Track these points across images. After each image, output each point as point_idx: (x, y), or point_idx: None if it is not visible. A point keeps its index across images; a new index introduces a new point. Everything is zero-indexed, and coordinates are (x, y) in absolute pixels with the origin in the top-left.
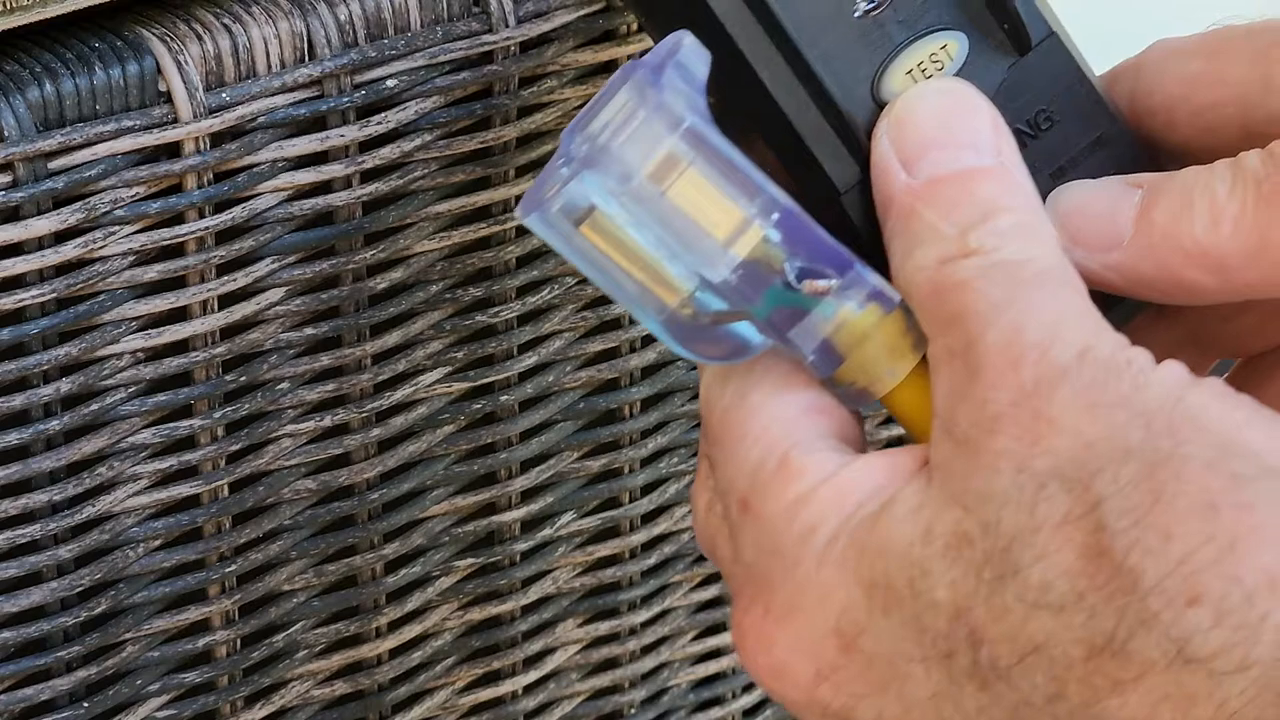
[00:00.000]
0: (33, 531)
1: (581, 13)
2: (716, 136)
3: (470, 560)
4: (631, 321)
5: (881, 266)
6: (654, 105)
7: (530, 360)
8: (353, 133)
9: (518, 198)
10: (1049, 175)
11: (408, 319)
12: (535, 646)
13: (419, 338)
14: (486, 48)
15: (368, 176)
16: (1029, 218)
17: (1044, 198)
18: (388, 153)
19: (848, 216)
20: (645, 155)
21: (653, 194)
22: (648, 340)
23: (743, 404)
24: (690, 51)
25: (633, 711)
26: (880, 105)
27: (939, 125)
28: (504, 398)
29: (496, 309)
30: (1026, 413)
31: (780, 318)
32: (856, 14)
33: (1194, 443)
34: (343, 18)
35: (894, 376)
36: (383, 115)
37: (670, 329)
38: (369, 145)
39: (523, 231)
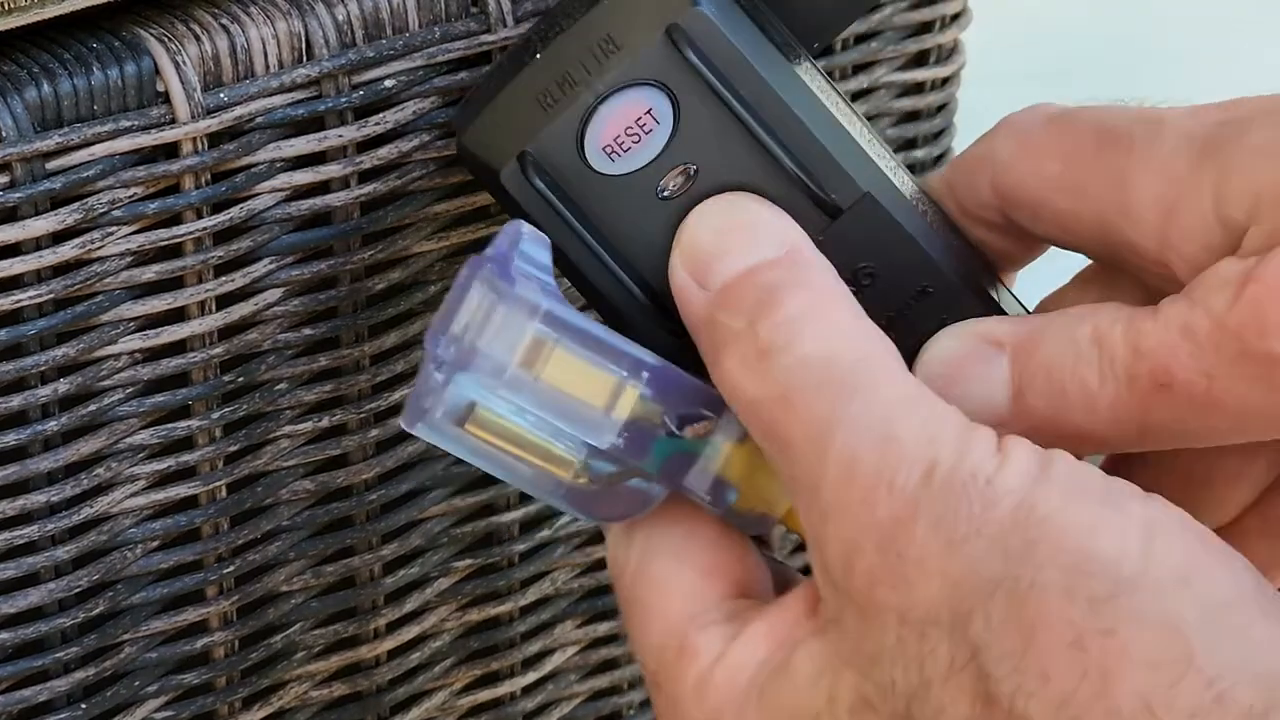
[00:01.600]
0: (30, 532)
1: None
2: (573, 313)
3: (469, 561)
4: None
5: None
6: (510, 298)
7: None
8: (351, 133)
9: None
10: (882, 321)
11: (406, 320)
12: (534, 647)
13: (417, 338)
14: (485, 48)
15: (366, 177)
16: (821, 298)
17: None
18: (386, 153)
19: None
20: (511, 346)
21: (527, 380)
22: None
23: (646, 573)
24: (531, 239)
25: (632, 713)
26: None
27: (721, 234)
28: None
29: None
30: (892, 558)
31: (671, 467)
32: (662, 195)
33: (1049, 565)
34: (340, 18)
35: (785, 498)
36: (381, 115)
37: (570, 501)
38: (367, 145)
39: None
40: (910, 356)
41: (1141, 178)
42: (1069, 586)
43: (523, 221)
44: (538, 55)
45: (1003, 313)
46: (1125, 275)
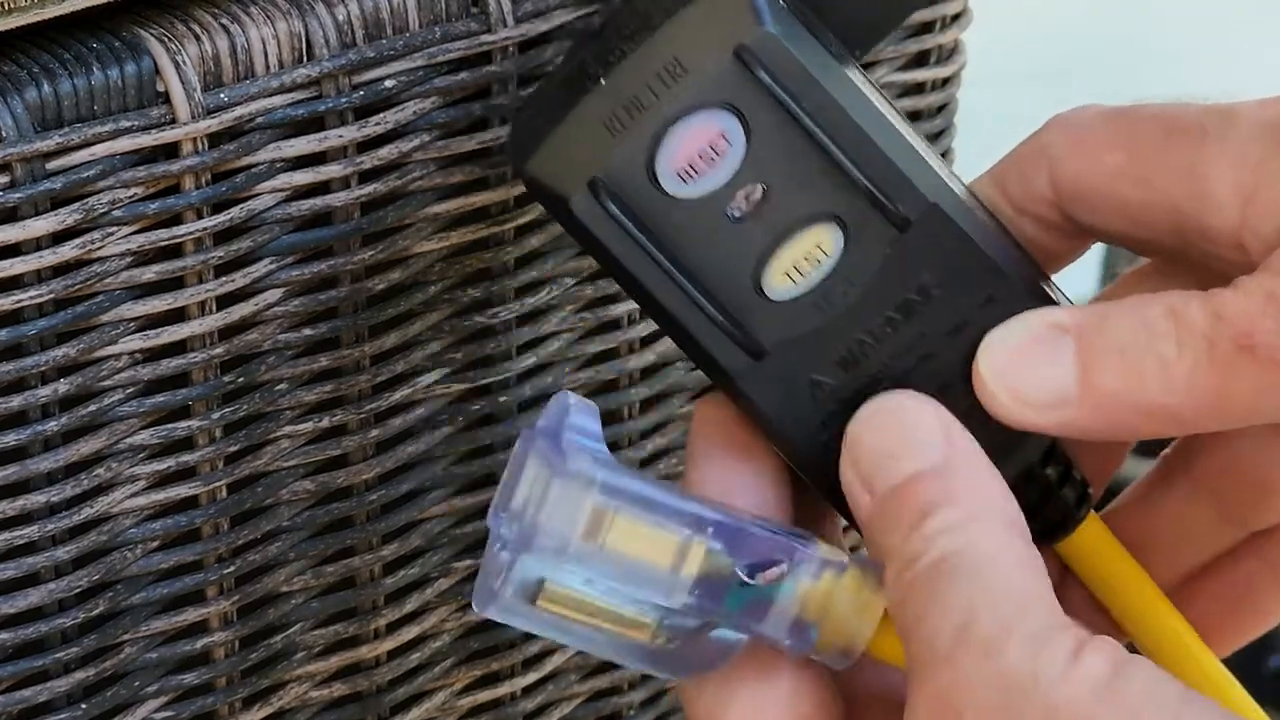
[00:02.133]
0: (30, 533)
1: (580, 13)
2: (627, 478)
3: (469, 561)
4: (631, 322)
5: (816, 447)
6: (563, 472)
7: (529, 361)
8: (351, 133)
9: (517, 198)
10: (945, 336)
11: (406, 320)
12: (534, 648)
13: (417, 339)
14: (485, 48)
15: (366, 177)
16: (964, 509)
17: (942, 360)
18: (386, 153)
19: (747, 397)
20: (572, 520)
21: (592, 551)
22: (647, 341)
23: (726, 707)
24: (578, 409)
25: (632, 713)
26: (768, 301)
27: (884, 439)
28: (502, 399)
29: (495, 310)
30: None
31: (748, 614)
32: (734, 216)
33: None
34: (341, 18)
35: (868, 628)
36: (381, 116)
37: (655, 662)
38: (367, 146)
39: (522, 232)
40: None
41: (1218, 165)
42: None
43: (569, 392)
44: (601, 80)
45: None
46: (1176, 275)
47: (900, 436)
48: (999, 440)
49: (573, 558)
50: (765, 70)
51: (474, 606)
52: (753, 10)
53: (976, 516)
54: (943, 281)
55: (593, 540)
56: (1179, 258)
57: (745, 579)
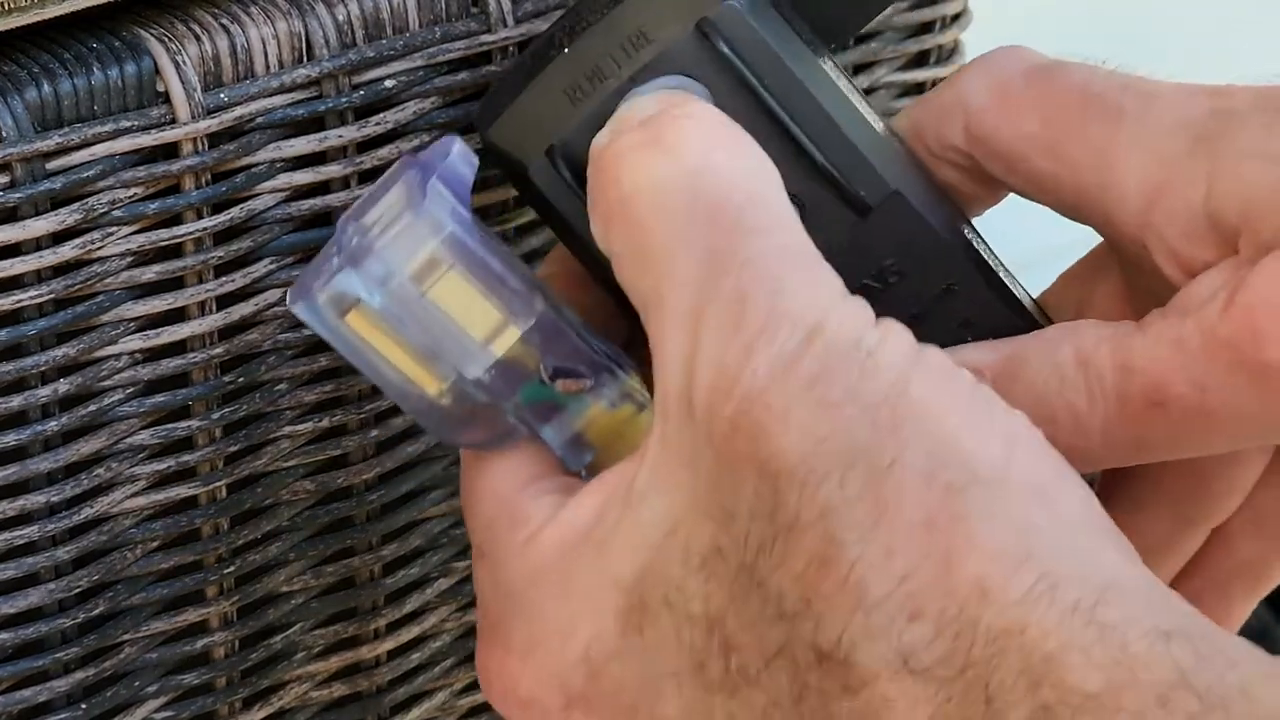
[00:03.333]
0: (30, 533)
1: None
2: (480, 242)
3: (469, 561)
4: None
5: None
6: (419, 210)
7: None
8: (351, 133)
9: (517, 198)
10: (906, 319)
11: None
12: None
13: None
14: (485, 48)
15: (366, 177)
16: (728, 125)
17: None
18: (386, 153)
19: None
20: (407, 257)
21: (413, 294)
22: None
23: (484, 468)
24: (458, 157)
25: None
26: None
27: (649, 103)
28: None
29: None
30: (760, 408)
31: (534, 412)
32: None
33: (913, 447)
34: (341, 18)
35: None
36: (381, 116)
37: (430, 417)
38: (367, 146)
39: (522, 232)
40: None
41: (1129, 153)
42: (930, 471)
43: (458, 138)
44: (565, 49)
45: (1025, 310)
46: (1105, 271)
47: (668, 97)
48: None
49: (393, 293)
50: (727, 44)
51: (287, 300)
52: None
53: (740, 133)
54: (901, 269)
55: (419, 284)
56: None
57: (545, 379)
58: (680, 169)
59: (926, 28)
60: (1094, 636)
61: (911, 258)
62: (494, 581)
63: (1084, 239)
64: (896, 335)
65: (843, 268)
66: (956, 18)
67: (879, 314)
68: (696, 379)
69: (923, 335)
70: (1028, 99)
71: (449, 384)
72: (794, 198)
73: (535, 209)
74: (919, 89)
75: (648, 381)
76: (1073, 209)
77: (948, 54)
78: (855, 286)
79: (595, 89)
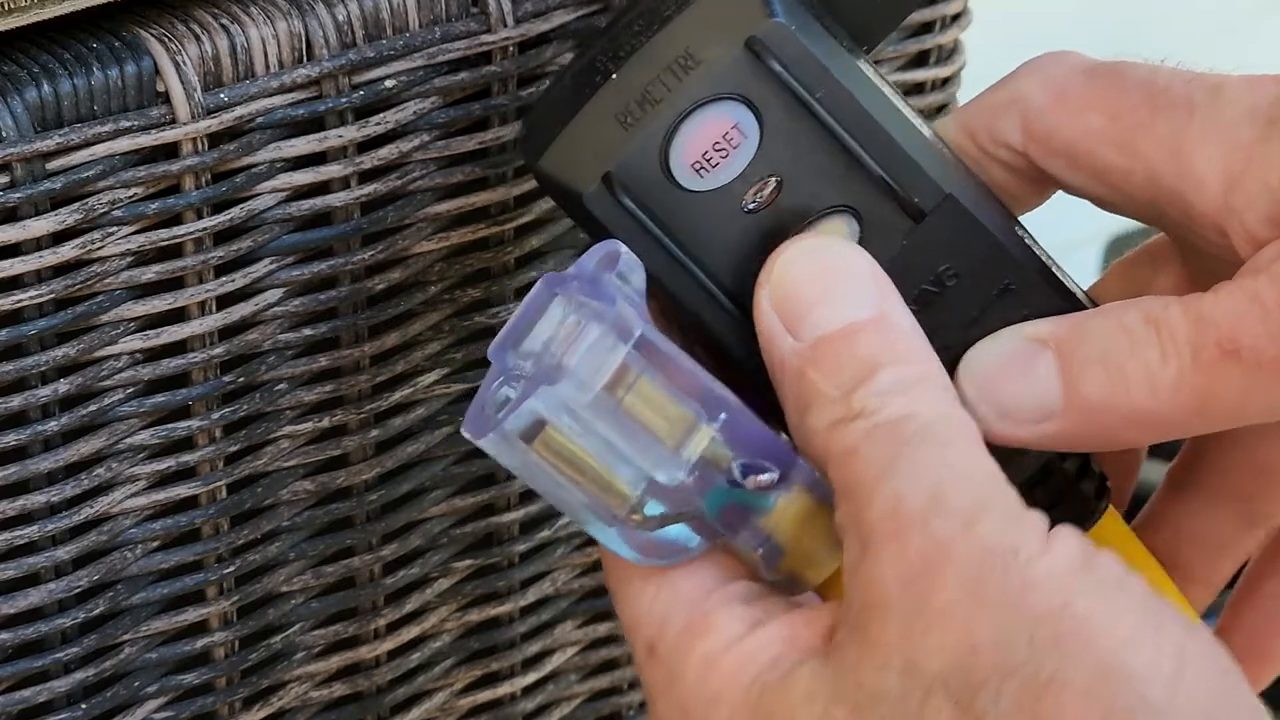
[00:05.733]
0: (30, 533)
1: (580, 13)
2: (664, 342)
3: (469, 561)
4: None
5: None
6: (607, 317)
7: None
8: (351, 133)
9: (517, 198)
10: (961, 327)
11: (406, 320)
12: (534, 648)
13: (417, 339)
14: (485, 48)
15: (366, 177)
16: (913, 369)
17: (958, 350)
18: (386, 153)
19: (762, 392)
20: (601, 369)
21: (608, 406)
22: None
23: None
24: (628, 260)
25: (632, 713)
26: None
27: (816, 284)
28: None
29: (495, 310)
30: (912, 599)
31: (726, 516)
32: (747, 208)
33: (1076, 664)
34: (341, 18)
35: (832, 563)
36: (381, 116)
37: (619, 537)
38: (367, 146)
39: (521, 232)
40: None
41: (1205, 143)
42: (1091, 690)
43: (619, 242)
44: (613, 75)
45: (1081, 305)
46: (1165, 263)
47: (832, 280)
48: None
49: (588, 408)
50: (777, 61)
51: (465, 432)
52: (764, 2)
53: (928, 380)
54: (958, 271)
55: (612, 394)
56: (1173, 239)
57: (736, 478)
58: (869, 432)
59: (926, 28)
60: None
61: (968, 259)
62: (668, 688)
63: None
64: (1063, 544)
65: (900, 274)
66: (956, 18)
67: (939, 320)
68: (856, 578)
69: (984, 334)
70: (1090, 95)
71: (638, 497)
72: (849, 209)
73: (592, 236)
74: (919, 89)
75: None
76: (1143, 202)
77: (948, 54)
78: (914, 292)
79: (646, 113)
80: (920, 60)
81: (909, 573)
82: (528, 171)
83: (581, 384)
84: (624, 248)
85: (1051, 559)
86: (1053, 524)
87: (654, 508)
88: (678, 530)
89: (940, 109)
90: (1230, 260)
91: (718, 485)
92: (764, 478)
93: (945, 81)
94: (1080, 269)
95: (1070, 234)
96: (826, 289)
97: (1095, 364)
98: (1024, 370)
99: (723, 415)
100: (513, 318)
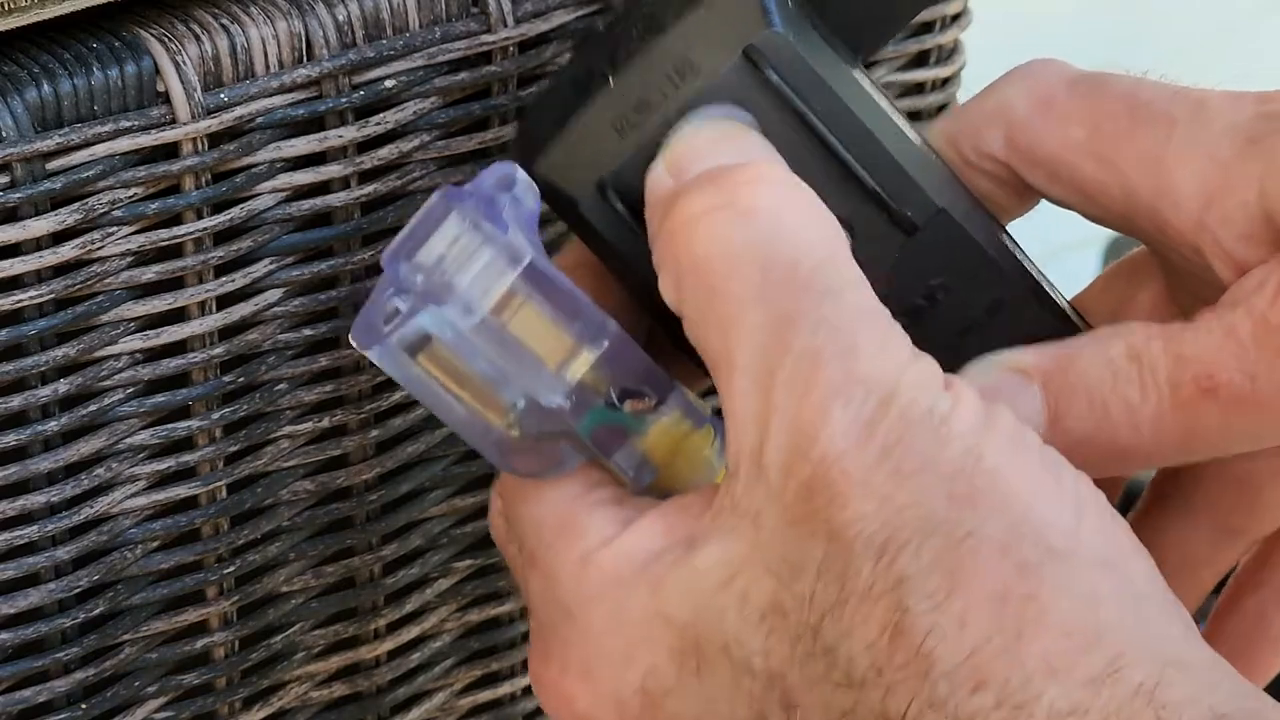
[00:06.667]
0: (30, 533)
1: (580, 13)
2: (551, 269)
3: (469, 561)
4: None
5: None
6: (498, 242)
7: None
8: (351, 133)
9: None
10: (951, 342)
11: None
12: None
13: None
14: (485, 48)
15: (366, 177)
16: (795, 187)
17: (947, 364)
18: (386, 153)
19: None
20: (488, 291)
21: (493, 327)
22: None
23: (530, 484)
24: (523, 186)
25: None
26: None
27: (710, 144)
28: None
29: None
30: (836, 473)
31: (600, 436)
32: None
33: (990, 520)
34: (341, 18)
35: (702, 482)
36: (381, 116)
37: (495, 448)
38: (367, 146)
39: None
40: None
41: (1183, 158)
42: (1005, 544)
43: (516, 165)
44: (610, 81)
45: (1069, 319)
46: (1148, 274)
47: (725, 141)
48: None
49: (473, 328)
50: (774, 71)
51: (352, 340)
52: (762, 11)
53: (806, 194)
54: (949, 286)
55: (498, 316)
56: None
57: (614, 400)
58: (754, 235)
59: (926, 28)
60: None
61: (959, 274)
62: (547, 592)
63: (1088, 238)
64: (967, 399)
65: (892, 288)
66: (956, 18)
67: (929, 334)
68: (770, 438)
69: (972, 350)
70: (1073, 107)
71: (517, 414)
72: (843, 221)
73: (585, 241)
74: (919, 89)
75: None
76: (1120, 216)
77: (948, 54)
78: (905, 306)
79: (643, 120)
80: (920, 60)
81: (828, 449)
82: None
83: (469, 306)
84: (520, 170)
85: (959, 414)
86: None
87: (532, 424)
88: (554, 446)
89: (940, 109)
90: (1206, 276)
91: (595, 407)
92: (640, 402)
93: (945, 81)
94: (1080, 269)
95: (1070, 234)
96: (718, 147)
97: (1080, 399)
98: (1010, 402)
99: (605, 342)
100: (408, 226)
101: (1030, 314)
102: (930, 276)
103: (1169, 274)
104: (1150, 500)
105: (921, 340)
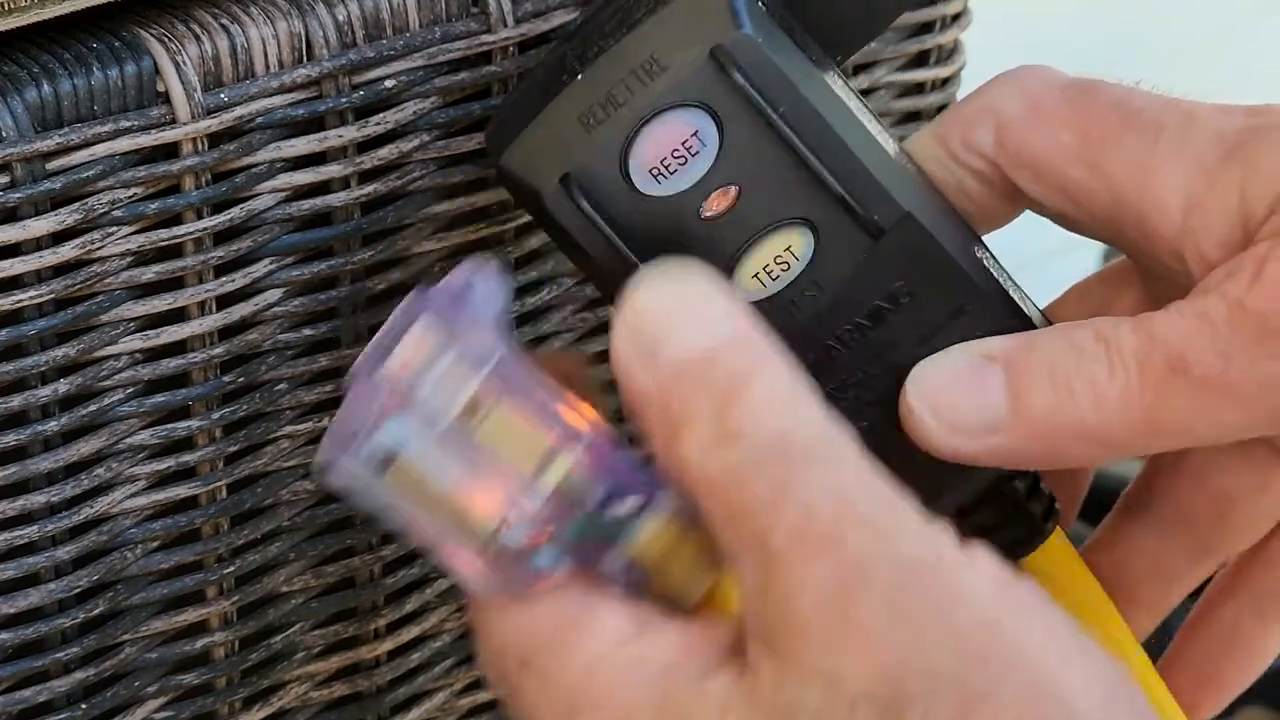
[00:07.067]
0: (30, 533)
1: (580, 13)
2: (522, 368)
3: None
4: None
5: None
6: (461, 344)
7: None
8: (351, 133)
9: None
10: (912, 347)
11: None
12: None
13: None
14: (485, 48)
15: (366, 177)
16: (778, 384)
17: (908, 369)
18: (386, 153)
19: None
20: (455, 397)
21: (462, 434)
22: None
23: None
24: (491, 281)
25: None
26: None
27: (669, 312)
28: None
29: None
30: (833, 619)
31: (584, 546)
32: (704, 216)
33: (1008, 682)
34: (341, 18)
35: (700, 589)
36: (381, 116)
37: (477, 570)
38: (367, 146)
39: (521, 232)
40: None
41: (1169, 164)
42: (1024, 707)
43: (484, 260)
44: (578, 75)
45: (1036, 328)
46: (1125, 286)
47: (685, 305)
48: None
49: (437, 438)
50: (740, 72)
51: (315, 471)
52: (731, 12)
53: (800, 394)
54: (914, 290)
55: (467, 422)
56: (1133, 261)
57: (598, 506)
58: (754, 454)
59: (926, 28)
60: None
61: (924, 279)
62: (548, 691)
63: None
64: (982, 557)
65: (855, 291)
66: (956, 18)
67: (890, 337)
68: (767, 597)
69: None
70: (1064, 113)
71: (493, 530)
72: (807, 222)
73: (549, 234)
74: (919, 89)
75: None
76: (1105, 222)
77: (947, 54)
78: (866, 308)
79: (609, 115)
80: (920, 60)
81: (827, 592)
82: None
83: (432, 414)
84: (489, 265)
85: (974, 571)
86: (1001, 543)
87: (512, 538)
88: (538, 558)
89: (940, 109)
90: (1188, 285)
91: (578, 514)
92: (626, 505)
93: (945, 81)
94: (1079, 270)
95: (1070, 234)
96: (680, 315)
97: (1043, 377)
98: (972, 384)
99: (583, 443)
100: (379, 332)
101: (996, 323)
102: (894, 279)
103: (1148, 283)
104: (1123, 510)
105: (881, 343)
